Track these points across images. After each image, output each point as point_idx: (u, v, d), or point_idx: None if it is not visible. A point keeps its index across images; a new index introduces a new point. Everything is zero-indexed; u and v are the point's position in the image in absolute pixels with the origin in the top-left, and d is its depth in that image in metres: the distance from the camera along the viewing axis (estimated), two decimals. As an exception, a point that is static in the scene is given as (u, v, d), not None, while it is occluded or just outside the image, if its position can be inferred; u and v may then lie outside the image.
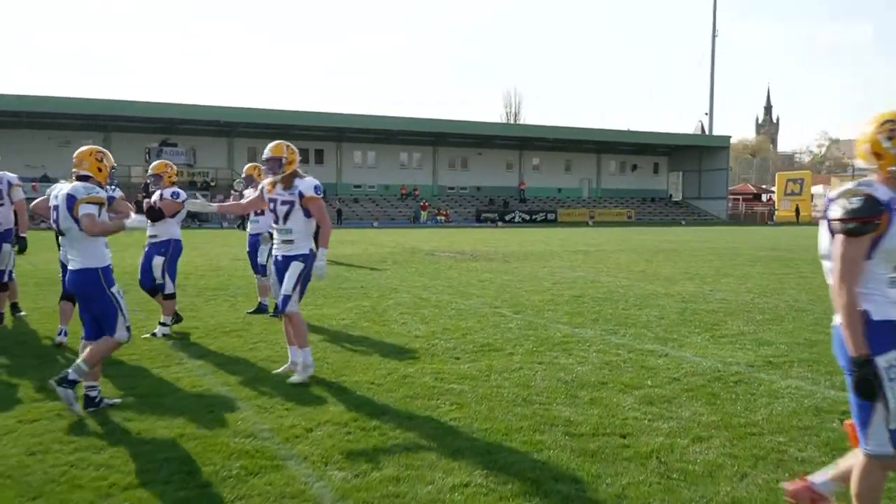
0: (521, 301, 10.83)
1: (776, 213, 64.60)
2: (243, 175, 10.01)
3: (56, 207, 5.42)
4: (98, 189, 5.36)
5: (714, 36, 72.16)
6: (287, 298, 6.20)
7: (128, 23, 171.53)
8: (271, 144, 6.32)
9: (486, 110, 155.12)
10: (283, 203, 6.21)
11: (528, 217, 55.72)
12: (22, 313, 9.13)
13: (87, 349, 5.31)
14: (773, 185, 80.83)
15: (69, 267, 5.44)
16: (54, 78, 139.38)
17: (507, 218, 54.33)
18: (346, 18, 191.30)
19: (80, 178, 5.41)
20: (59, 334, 7.44)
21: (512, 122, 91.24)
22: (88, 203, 5.22)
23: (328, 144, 56.84)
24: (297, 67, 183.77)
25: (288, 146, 6.29)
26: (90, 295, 5.35)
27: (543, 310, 9.99)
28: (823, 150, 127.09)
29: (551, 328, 8.57)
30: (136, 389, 5.82)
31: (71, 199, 5.24)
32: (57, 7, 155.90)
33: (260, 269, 9.60)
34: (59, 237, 5.82)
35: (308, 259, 6.25)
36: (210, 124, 50.14)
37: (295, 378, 6.10)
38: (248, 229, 10.05)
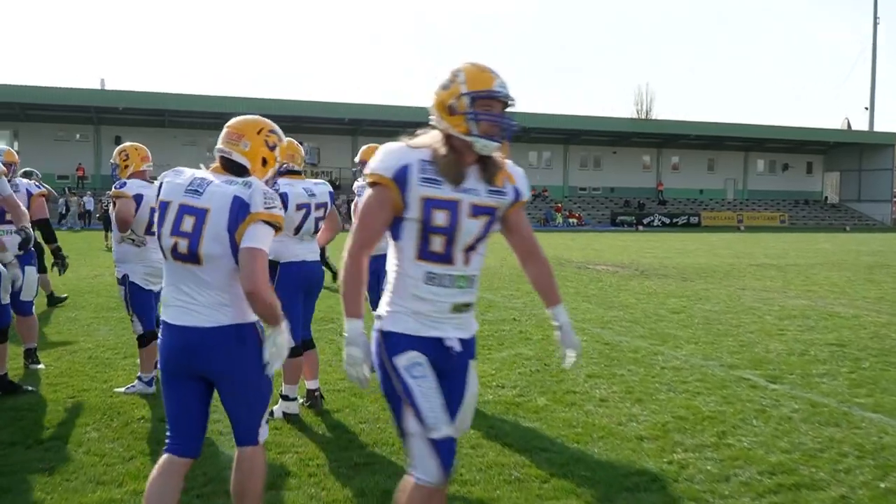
0: (760, 354, 7.30)
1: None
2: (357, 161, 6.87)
3: (190, 215, 2.92)
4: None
5: (875, 23, 64.77)
6: None
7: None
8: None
9: (617, 108, 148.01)
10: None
11: (668, 220, 50.96)
12: (40, 366, 6.42)
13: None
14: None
15: (183, 322, 2.93)
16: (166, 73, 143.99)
17: (646, 221, 49.83)
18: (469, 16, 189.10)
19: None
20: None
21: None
22: (267, 223, 2.90)
23: (453, 143, 54.11)
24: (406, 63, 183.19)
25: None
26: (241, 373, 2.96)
27: (811, 374, 6.45)
28: None
29: (856, 418, 5.05)
30: None
31: (242, 210, 2.86)
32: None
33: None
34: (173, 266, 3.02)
35: None
36: (334, 122, 48.45)
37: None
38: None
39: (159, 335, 3.04)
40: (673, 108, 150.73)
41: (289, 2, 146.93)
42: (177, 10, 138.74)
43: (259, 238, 2.83)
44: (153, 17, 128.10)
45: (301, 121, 46.73)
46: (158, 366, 3.08)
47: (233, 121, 3.13)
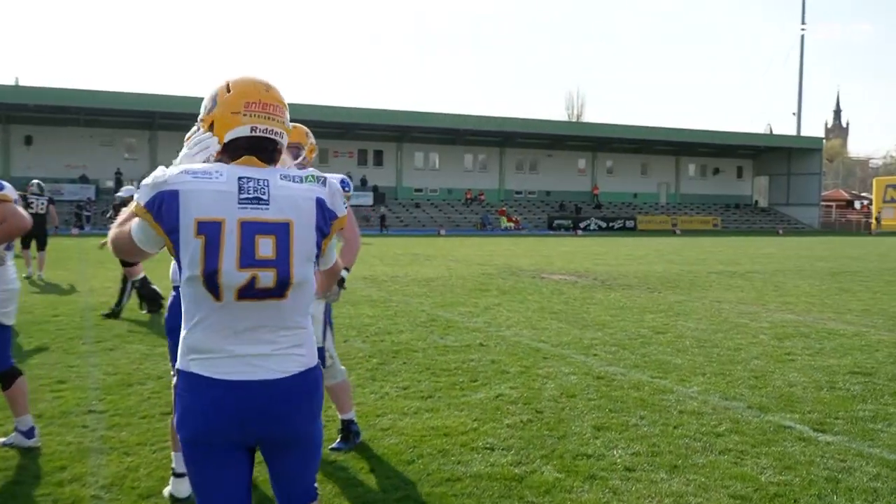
0: (784, 389, 6.10)
1: (882, 221, 58.04)
2: None
3: (266, 234, 2.09)
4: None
5: (803, 32, 66.07)
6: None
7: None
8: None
9: (549, 112, 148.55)
10: None
11: (604, 224, 50.50)
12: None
13: None
14: (864, 192, 74.38)
15: (248, 377, 2.13)
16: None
17: (583, 226, 49.23)
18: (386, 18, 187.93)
19: None
20: None
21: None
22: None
23: (388, 145, 52.58)
24: (352, 66, 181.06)
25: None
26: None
27: (858, 417, 5.26)
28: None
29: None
30: None
31: (328, 216, 2.17)
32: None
33: None
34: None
35: None
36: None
37: None
38: None
39: (190, 396, 2.13)
40: (603, 112, 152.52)
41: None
42: (100, 6, 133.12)
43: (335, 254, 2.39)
44: (69, 15, 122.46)
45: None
46: (189, 438, 2.15)
47: (255, 85, 2.20)
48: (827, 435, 4.90)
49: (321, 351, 4.24)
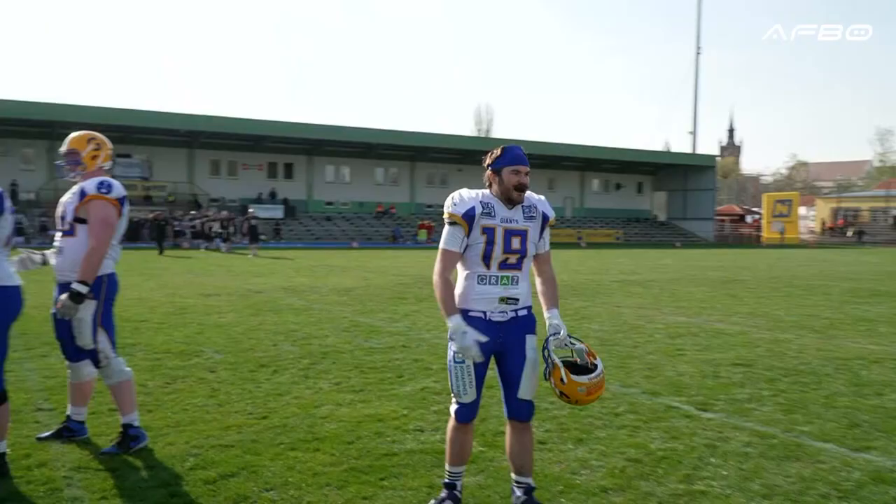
0: (674, 377, 6.91)
1: (763, 234, 61.76)
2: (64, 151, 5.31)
3: None
4: None
5: (698, 52, 69.70)
6: None
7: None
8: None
9: (459, 127, 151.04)
10: None
11: (513, 237, 51.76)
12: None
13: None
14: (754, 206, 78.76)
15: None
16: None
17: (492, 238, 50.29)
18: (307, 27, 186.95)
19: None
20: None
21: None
22: None
23: (298, 158, 52.52)
24: (263, 77, 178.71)
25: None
26: None
27: (736, 399, 6.09)
28: (790, 171, 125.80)
29: (812, 449, 4.66)
30: None
31: None
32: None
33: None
34: None
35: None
36: (169, 133, 45.46)
37: None
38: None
39: None
40: (511, 128, 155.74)
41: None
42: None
43: None
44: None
45: (131, 131, 43.54)
46: None
47: None
48: (709, 413, 5.70)
49: (93, 353, 4.48)
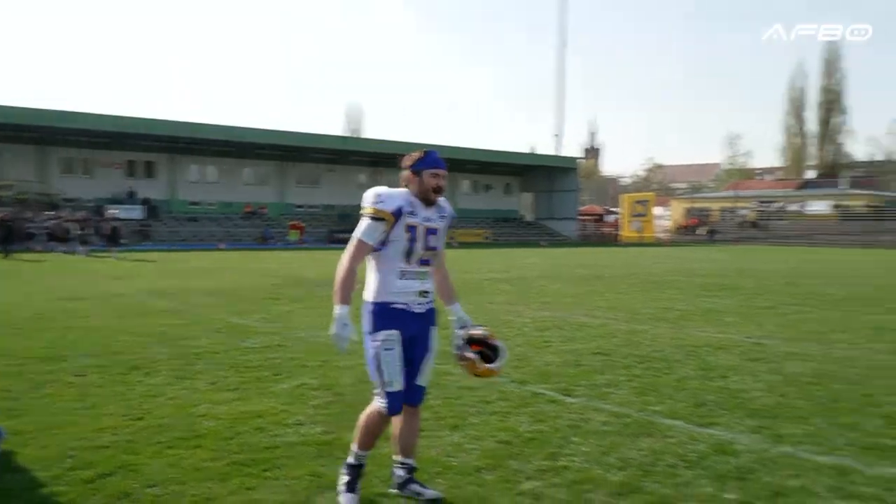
0: (541, 367, 7.34)
1: (621, 233, 65.06)
2: None
3: None
4: None
5: (563, 57, 72.47)
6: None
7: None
8: None
9: (332, 128, 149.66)
10: None
11: (385, 238, 51.97)
12: None
13: None
14: (614, 206, 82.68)
15: None
16: None
17: (364, 239, 50.29)
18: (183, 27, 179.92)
19: None
20: None
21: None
22: None
23: (160, 156, 50.54)
24: (125, 73, 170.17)
25: None
26: None
27: (597, 384, 6.56)
28: (647, 173, 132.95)
29: (662, 426, 5.15)
30: None
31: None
32: None
33: None
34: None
35: None
36: (16, 129, 42.58)
37: None
38: None
39: None
40: (383, 128, 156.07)
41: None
42: None
43: None
44: None
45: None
46: None
47: None
48: (571, 398, 6.12)
49: None
